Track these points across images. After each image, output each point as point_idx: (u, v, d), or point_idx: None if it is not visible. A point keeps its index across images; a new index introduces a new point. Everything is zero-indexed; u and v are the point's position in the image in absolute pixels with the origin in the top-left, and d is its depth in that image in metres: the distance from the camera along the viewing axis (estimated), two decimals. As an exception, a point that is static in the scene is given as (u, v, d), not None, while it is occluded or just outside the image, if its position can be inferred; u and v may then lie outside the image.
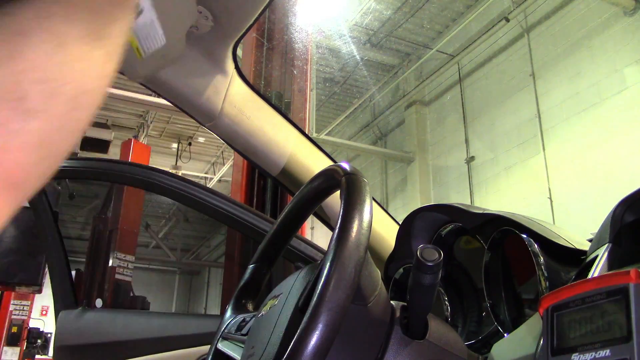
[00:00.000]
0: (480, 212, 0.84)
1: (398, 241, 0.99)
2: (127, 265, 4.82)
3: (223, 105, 1.10)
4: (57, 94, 0.33)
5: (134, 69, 0.88)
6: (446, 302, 0.94)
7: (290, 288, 0.64)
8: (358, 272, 0.48)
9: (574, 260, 0.72)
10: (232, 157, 6.37)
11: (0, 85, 0.30)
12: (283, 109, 2.64)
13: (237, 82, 1.14)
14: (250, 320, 0.73)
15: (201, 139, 10.83)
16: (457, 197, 7.91)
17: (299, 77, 2.90)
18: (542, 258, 0.72)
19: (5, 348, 6.34)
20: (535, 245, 0.73)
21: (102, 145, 7.63)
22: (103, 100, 0.39)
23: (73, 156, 2.04)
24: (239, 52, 1.04)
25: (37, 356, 7.01)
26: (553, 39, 6.86)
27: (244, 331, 0.72)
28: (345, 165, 0.61)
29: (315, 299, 0.46)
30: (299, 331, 0.45)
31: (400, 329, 0.58)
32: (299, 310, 0.59)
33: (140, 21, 0.75)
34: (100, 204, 6.00)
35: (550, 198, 6.49)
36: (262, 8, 0.92)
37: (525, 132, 7.05)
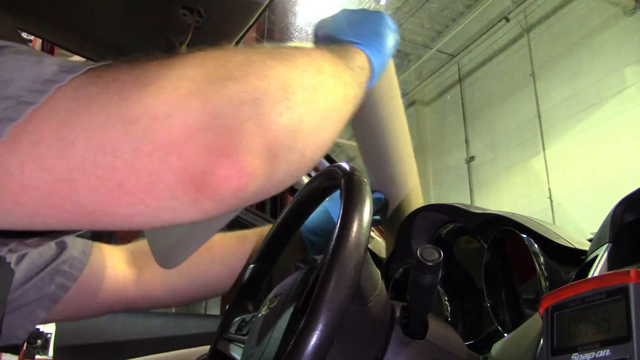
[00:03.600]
0: (480, 212, 0.84)
1: (398, 241, 0.99)
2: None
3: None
4: (312, 103, 0.41)
5: (166, 259, 0.74)
6: (446, 302, 0.94)
7: (290, 288, 0.64)
8: (358, 272, 0.48)
9: (574, 260, 0.72)
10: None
11: (278, 78, 0.39)
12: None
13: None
14: (250, 320, 0.73)
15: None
16: (457, 197, 7.91)
17: (299, 77, 2.89)
18: (542, 258, 0.72)
19: (5, 348, 6.33)
20: (535, 245, 0.73)
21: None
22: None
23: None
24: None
25: (37, 356, 7.01)
26: (553, 38, 6.86)
27: (244, 331, 0.72)
28: (345, 165, 0.61)
29: (315, 299, 0.46)
30: (298, 331, 0.45)
31: (400, 329, 0.58)
32: (299, 310, 0.59)
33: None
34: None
35: (550, 198, 6.49)
36: (262, 8, 0.92)
37: (525, 132, 7.05)
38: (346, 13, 0.70)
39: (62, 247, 0.80)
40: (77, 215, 0.35)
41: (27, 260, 0.77)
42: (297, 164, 0.41)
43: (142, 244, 0.93)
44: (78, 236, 0.77)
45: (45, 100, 0.33)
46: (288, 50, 0.44)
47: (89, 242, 0.87)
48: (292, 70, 0.41)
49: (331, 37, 0.66)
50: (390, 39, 0.70)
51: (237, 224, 1.35)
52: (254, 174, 0.36)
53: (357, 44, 0.62)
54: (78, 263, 0.81)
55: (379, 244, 1.17)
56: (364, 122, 0.98)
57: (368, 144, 1.01)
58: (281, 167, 0.38)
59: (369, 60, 0.62)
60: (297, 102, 0.39)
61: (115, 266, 0.89)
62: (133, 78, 0.35)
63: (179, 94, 0.35)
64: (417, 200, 1.07)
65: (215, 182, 0.34)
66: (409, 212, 0.98)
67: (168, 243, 0.68)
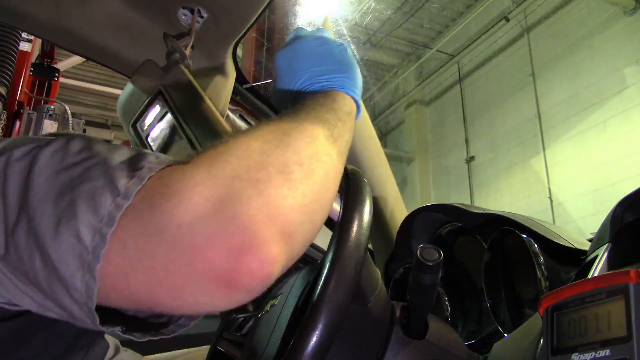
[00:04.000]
0: (480, 212, 0.84)
1: (398, 241, 0.99)
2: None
3: (223, 105, 1.10)
4: (311, 174, 0.46)
5: None
6: (446, 302, 0.94)
7: (290, 288, 0.64)
8: (358, 272, 0.48)
9: (574, 260, 0.72)
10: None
11: (276, 163, 0.43)
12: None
13: (237, 83, 1.14)
14: (250, 320, 0.73)
15: (201, 139, 10.82)
16: (457, 197, 7.91)
17: (299, 77, 2.89)
18: (542, 258, 0.72)
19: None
20: (535, 245, 0.73)
21: (102, 145, 7.62)
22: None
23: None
24: (239, 52, 1.04)
25: (37, 356, 7.00)
26: (553, 38, 6.86)
27: (244, 331, 0.72)
28: (346, 166, 0.61)
29: (315, 299, 0.46)
30: (298, 331, 0.45)
31: (400, 329, 0.58)
32: (299, 310, 0.59)
33: None
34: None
35: (550, 198, 6.49)
36: (262, 8, 0.92)
37: (525, 132, 7.05)
38: (306, 47, 0.70)
39: (116, 350, 0.86)
40: (136, 303, 0.41)
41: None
42: (310, 232, 0.45)
43: None
44: None
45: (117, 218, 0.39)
46: (281, 126, 0.49)
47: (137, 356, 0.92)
48: (287, 150, 0.46)
49: (294, 74, 0.68)
50: (356, 65, 0.72)
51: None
52: (275, 260, 0.40)
53: (340, 87, 0.66)
54: None
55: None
56: None
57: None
58: (298, 241, 0.43)
59: (354, 100, 0.66)
60: (297, 180, 0.44)
61: None
62: (162, 188, 0.41)
63: (195, 203, 0.39)
64: (401, 211, 1.10)
65: (242, 277, 0.38)
66: (396, 222, 0.98)
67: None
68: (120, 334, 0.46)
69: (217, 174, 0.42)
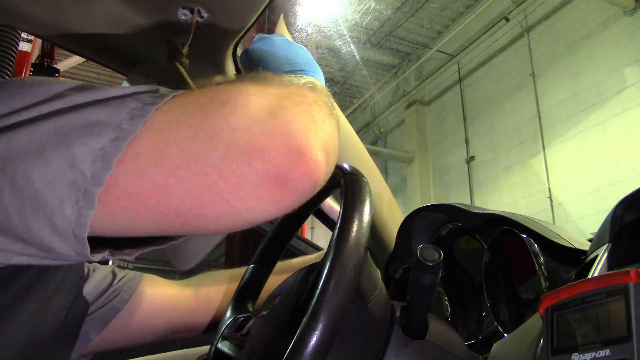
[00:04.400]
0: (480, 212, 0.84)
1: (398, 241, 0.99)
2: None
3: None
4: (331, 117, 0.49)
5: (181, 261, 0.83)
6: (446, 302, 0.94)
7: (290, 288, 0.64)
8: (358, 272, 0.48)
9: (574, 260, 0.72)
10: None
11: (309, 100, 0.46)
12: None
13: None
14: (250, 320, 0.73)
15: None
16: (457, 197, 7.91)
17: (299, 77, 2.89)
18: (542, 258, 0.72)
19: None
20: (535, 245, 0.73)
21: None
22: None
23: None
24: (239, 52, 1.04)
25: (37, 356, 7.01)
26: (553, 38, 6.86)
27: (244, 331, 0.72)
28: (346, 165, 0.61)
29: (315, 299, 0.46)
30: (299, 331, 0.45)
31: (400, 329, 0.58)
32: (299, 310, 0.59)
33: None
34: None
35: (550, 198, 6.49)
36: (262, 8, 0.92)
37: (525, 132, 7.05)
38: (275, 46, 0.78)
39: (114, 277, 0.87)
40: (171, 218, 0.40)
41: (90, 284, 0.83)
42: (333, 163, 0.47)
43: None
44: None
45: (142, 123, 0.39)
46: (302, 80, 0.52)
47: (139, 273, 0.93)
48: (316, 93, 0.49)
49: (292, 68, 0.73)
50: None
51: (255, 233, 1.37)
52: (322, 168, 0.42)
53: (310, 73, 0.71)
54: (127, 288, 0.87)
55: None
56: None
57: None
58: (330, 163, 0.45)
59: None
60: (326, 115, 0.47)
61: (167, 289, 0.95)
62: (208, 100, 0.42)
63: (250, 109, 0.41)
64: (394, 209, 1.10)
65: (297, 178, 0.40)
66: (390, 221, 0.98)
67: (182, 247, 0.71)
68: (111, 257, 0.45)
69: (267, 90, 0.44)
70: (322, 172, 0.42)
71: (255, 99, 0.42)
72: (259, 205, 0.40)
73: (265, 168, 0.39)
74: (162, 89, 0.44)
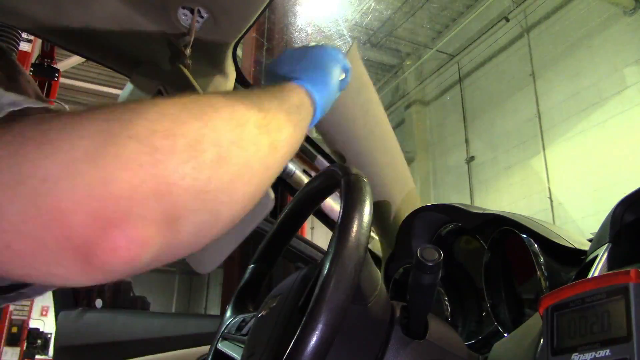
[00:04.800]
0: (480, 212, 0.84)
1: (398, 241, 0.99)
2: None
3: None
4: (226, 160, 0.39)
5: (202, 265, 0.86)
6: (446, 302, 0.94)
7: (290, 288, 0.64)
8: (358, 272, 0.48)
9: (574, 260, 0.72)
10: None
11: (188, 135, 0.37)
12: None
13: (237, 83, 1.14)
14: (250, 320, 0.73)
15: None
16: (457, 197, 7.91)
17: (299, 77, 2.89)
18: (542, 258, 0.72)
19: (5, 348, 6.33)
20: (535, 245, 0.73)
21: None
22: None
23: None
24: (239, 52, 1.04)
25: (37, 356, 7.01)
26: (553, 38, 6.87)
27: (244, 331, 0.72)
28: (346, 165, 0.61)
29: (315, 299, 0.46)
30: (298, 331, 0.45)
31: (400, 329, 0.58)
32: (299, 310, 0.59)
33: None
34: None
35: (550, 198, 6.49)
36: (262, 8, 0.92)
37: (525, 132, 7.05)
38: (289, 51, 0.68)
39: None
40: None
41: None
42: (207, 223, 0.39)
43: None
44: None
45: None
46: (211, 101, 0.42)
47: None
48: (206, 126, 0.39)
49: (273, 77, 0.64)
50: (336, 70, 0.67)
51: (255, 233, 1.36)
52: (147, 243, 0.34)
53: (297, 79, 0.60)
54: None
55: (379, 243, 1.17)
56: (347, 133, 0.99)
57: (355, 154, 1.02)
58: (186, 229, 0.37)
59: (309, 95, 0.60)
60: (205, 162, 0.37)
61: None
62: (36, 134, 0.33)
63: (73, 156, 0.32)
64: (413, 202, 1.08)
65: (102, 253, 0.32)
66: (407, 213, 0.98)
67: (203, 251, 0.72)
68: None
69: (112, 130, 0.34)
70: (148, 247, 0.34)
71: (85, 144, 0.33)
72: (66, 273, 0.33)
73: (65, 235, 0.32)
74: (32, 103, 0.37)
